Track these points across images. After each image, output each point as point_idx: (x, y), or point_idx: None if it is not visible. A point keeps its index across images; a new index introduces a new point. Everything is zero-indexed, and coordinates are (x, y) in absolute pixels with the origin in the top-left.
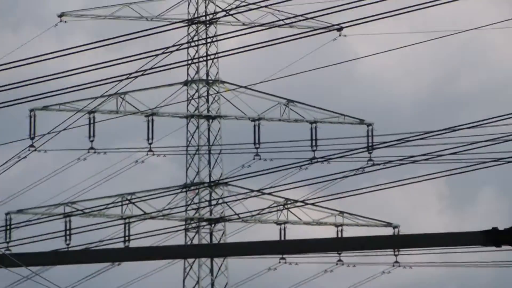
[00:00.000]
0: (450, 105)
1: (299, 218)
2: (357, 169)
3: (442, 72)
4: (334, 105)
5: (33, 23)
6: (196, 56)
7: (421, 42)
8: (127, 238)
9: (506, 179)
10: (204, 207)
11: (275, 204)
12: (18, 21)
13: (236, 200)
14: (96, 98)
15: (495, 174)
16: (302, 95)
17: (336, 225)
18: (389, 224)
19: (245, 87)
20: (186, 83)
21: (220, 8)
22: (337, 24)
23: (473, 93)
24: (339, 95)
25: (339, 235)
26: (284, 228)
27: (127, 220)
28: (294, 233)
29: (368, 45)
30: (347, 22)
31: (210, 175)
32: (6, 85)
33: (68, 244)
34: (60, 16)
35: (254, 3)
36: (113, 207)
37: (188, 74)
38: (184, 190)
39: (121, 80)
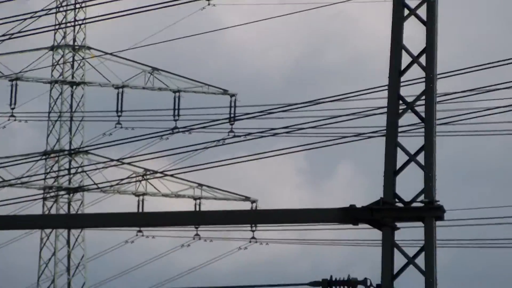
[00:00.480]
0: (314, 79)
1: (158, 190)
2: (218, 140)
3: (307, 45)
4: (200, 75)
5: None
6: (63, 22)
7: (287, 14)
8: None
9: (365, 155)
10: (63, 176)
11: (134, 175)
12: None
13: (95, 169)
14: None
15: (355, 149)
16: (167, 64)
17: (195, 198)
18: (247, 198)
19: (111, 54)
20: (52, 48)
21: None
22: None
23: (338, 67)
24: (204, 65)
25: (197, 209)
26: (143, 199)
27: None
28: (153, 205)
29: (236, 15)
30: None
31: (70, 143)
32: None
33: None
34: None
35: None
36: None
37: (55, 39)
38: (44, 157)
39: None
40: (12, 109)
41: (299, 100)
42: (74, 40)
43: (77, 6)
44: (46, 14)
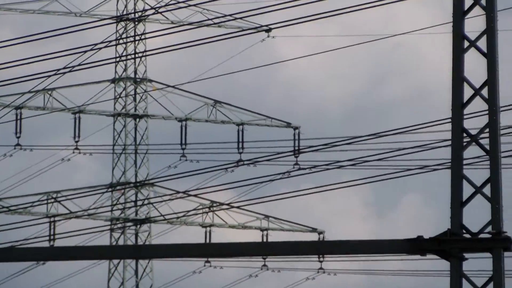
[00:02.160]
0: (377, 111)
1: (225, 221)
2: (283, 173)
3: (369, 77)
4: (261, 107)
5: None
6: (124, 54)
7: (348, 46)
8: (52, 237)
9: (431, 186)
10: (129, 208)
11: (201, 206)
12: None
13: (162, 201)
14: (23, 93)
15: (420, 181)
16: (229, 96)
17: (261, 229)
18: (314, 230)
19: (172, 86)
20: (113, 81)
21: (149, 5)
22: (266, 25)
23: (400, 99)
24: (265, 97)
25: (264, 240)
26: (210, 231)
27: (52, 219)
28: (219, 236)
29: (296, 47)
30: (276, 23)
31: (136, 175)
32: None
33: None
34: None
35: (183, 1)
36: (38, 205)
37: (116, 72)
38: (110, 189)
39: (49, 76)
40: (76, 142)
41: (362, 132)
42: (135, 72)
43: (137, 38)
44: (106, 47)
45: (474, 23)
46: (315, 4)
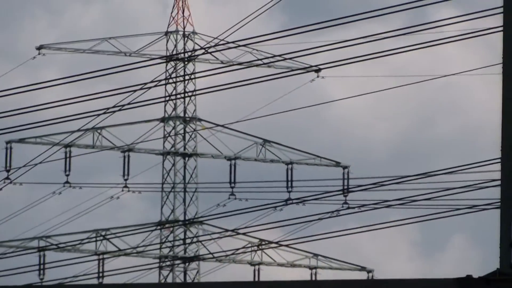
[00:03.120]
0: (424, 151)
1: (273, 260)
2: (332, 211)
3: (417, 117)
4: (309, 146)
5: (11, 55)
6: (174, 93)
7: (397, 87)
8: (101, 274)
9: (479, 227)
10: (178, 245)
11: (250, 245)
12: None
13: (210, 239)
14: (73, 132)
15: (468, 221)
16: (278, 135)
17: (310, 268)
18: (363, 268)
19: (222, 125)
20: (163, 119)
21: (199, 45)
22: (316, 65)
23: (448, 139)
24: (315, 136)
25: (313, 278)
26: (258, 269)
27: (101, 256)
28: (268, 274)
29: (344, 87)
30: (325, 63)
31: (185, 213)
32: None
33: (42, 279)
34: (39, 48)
35: (233, 42)
36: (87, 242)
37: (165, 110)
38: (158, 227)
39: (98, 115)
40: (126, 180)
41: (410, 171)
42: (185, 111)
43: (187, 77)
44: (155, 86)
45: None
46: (363, 45)
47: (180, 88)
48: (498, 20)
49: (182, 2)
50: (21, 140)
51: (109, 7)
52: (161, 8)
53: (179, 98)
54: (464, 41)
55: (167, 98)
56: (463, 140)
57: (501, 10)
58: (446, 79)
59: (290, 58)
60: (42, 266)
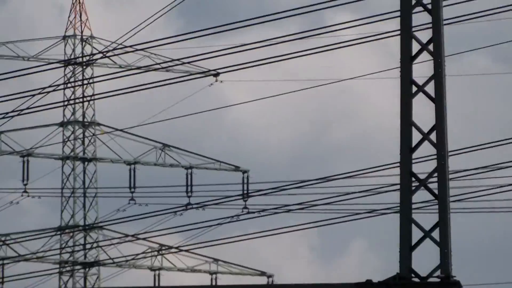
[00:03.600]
0: (324, 156)
1: (174, 265)
2: (232, 216)
3: (315, 121)
4: (209, 151)
5: None
6: (72, 98)
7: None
8: (1, 279)
9: (379, 231)
10: (78, 251)
11: (150, 250)
12: None
13: (110, 245)
14: None
15: (368, 226)
16: (178, 140)
17: (211, 273)
18: (263, 273)
19: (121, 130)
20: (62, 124)
21: (97, 50)
22: (214, 70)
23: (346, 143)
24: (213, 141)
25: (213, 283)
26: (159, 274)
27: (1, 262)
28: (168, 279)
29: (242, 91)
30: (224, 67)
31: (84, 218)
32: None
33: None
34: None
35: (130, 46)
36: None
37: (64, 115)
38: (58, 232)
39: None
40: (25, 185)
41: (310, 177)
42: (84, 116)
43: (85, 82)
44: (54, 90)
45: (422, 69)
46: (260, 49)
47: (78, 92)
48: (395, 24)
49: (79, 6)
50: None
51: (3, 11)
52: (57, 12)
53: (77, 103)
54: (360, 45)
55: (66, 103)
56: (361, 145)
57: (398, 14)
58: (344, 84)
59: (189, 62)
60: None
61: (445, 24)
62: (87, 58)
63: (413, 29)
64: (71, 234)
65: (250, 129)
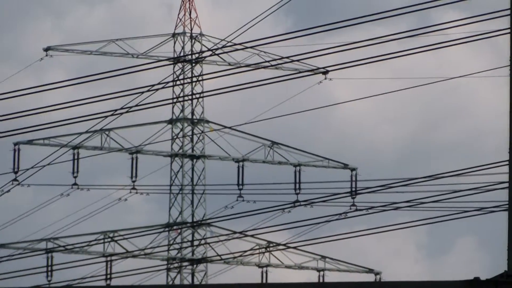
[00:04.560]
0: (431, 153)
1: (281, 262)
2: (340, 214)
3: (424, 119)
4: (317, 148)
5: (16, 58)
6: (181, 95)
7: (403, 89)
8: (108, 276)
9: (487, 229)
10: (186, 247)
11: (257, 247)
12: (2, 57)
13: (218, 241)
14: (81, 134)
15: (477, 224)
16: (286, 137)
17: (318, 270)
18: (371, 271)
19: (229, 127)
20: (171, 121)
21: (206, 47)
22: (323, 67)
23: (455, 141)
24: (322, 138)
25: (321, 280)
26: (266, 271)
27: (109, 258)
28: (276, 276)
29: (350, 89)
30: (332, 65)
31: (192, 215)
32: None
33: (49, 280)
34: (46, 50)
35: (240, 43)
36: (95, 244)
37: (173, 112)
38: (166, 229)
39: (106, 117)
40: (133, 182)
41: (418, 174)
42: (193, 113)
43: (194, 79)
44: (163, 88)
45: None
46: (368, 47)
47: (187, 90)
48: (504, 22)
49: (189, 3)
50: (29, 142)
51: (113, 9)
52: (166, 10)
53: (186, 100)
54: (470, 43)
55: (175, 100)
56: (470, 143)
57: (508, 12)
58: (452, 82)
59: (298, 60)
60: (50, 268)
61: None
62: (197, 55)
63: None
64: (179, 231)
65: (358, 127)
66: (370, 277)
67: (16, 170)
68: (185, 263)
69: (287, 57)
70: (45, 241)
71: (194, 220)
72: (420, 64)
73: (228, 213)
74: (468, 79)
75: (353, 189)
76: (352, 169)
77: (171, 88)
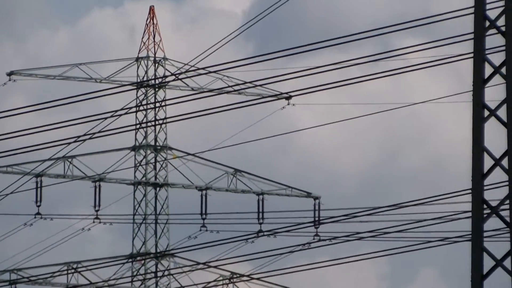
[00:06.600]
0: (394, 180)
1: None
2: (303, 244)
3: (386, 146)
4: (281, 175)
5: None
6: (144, 121)
7: (367, 115)
8: None
9: (451, 259)
10: (150, 279)
11: (221, 278)
12: None
13: (182, 272)
14: (44, 161)
15: (440, 254)
16: (249, 164)
17: None
18: None
19: (193, 154)
20: (134, 148)
21: (170, 72)
22: (286, 93)
23: (418, 168)
24: (285, 165)
25: None
26: None
27: None
28: None
29: (313, 114)
30: (296, 90)
31: (156, 246)
32: None
33: None
34: (9, 74)
35: (203, 68)
36: (59, 275)
37: (136, 139)
38: (130, 260)
39: (68, 143)
40: (97, 211)
41: (381, 203)
42: (156, 140)
43: (157, 104)
44: (126, 113)
45: (493, 92)
46: (330, 73)
47: (151, 115)
48: (465, 47)
49: (153, 27)
50: None
51: (76, 33)
52: (128, 34)
53: (150, 126)
54: (431, 69)
55: (138, 126)
56: (432, 171)
57: (468, 37)
58: (414, 107)
59: (261, 85)
60: None
61: None
62: (160, 79)
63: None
64: (143, 261)
65: (322, 154)
66: None
67: None
68: None
69: (250, 82)
70: (9, 272)
71: (158, 250)
72: (383, 90)
73: (191, 243)
74: (430, 105)
75: (316, 219)
76: (315, 198)
77: (134, 114)
